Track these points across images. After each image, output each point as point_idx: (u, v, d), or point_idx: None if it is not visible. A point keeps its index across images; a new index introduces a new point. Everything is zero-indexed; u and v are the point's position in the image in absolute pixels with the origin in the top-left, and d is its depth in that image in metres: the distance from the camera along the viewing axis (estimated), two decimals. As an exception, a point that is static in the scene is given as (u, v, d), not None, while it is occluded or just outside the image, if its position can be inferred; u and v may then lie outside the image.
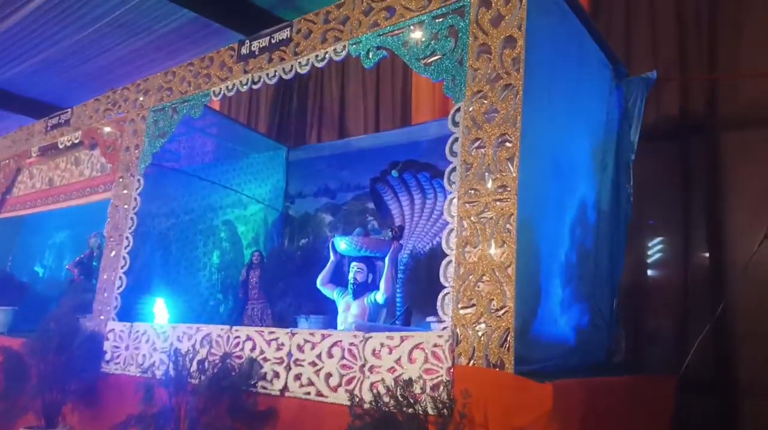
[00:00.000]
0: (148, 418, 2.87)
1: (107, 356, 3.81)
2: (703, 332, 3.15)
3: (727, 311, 3.43)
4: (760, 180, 3.73)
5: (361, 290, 3.81)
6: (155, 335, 3.60)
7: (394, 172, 4.21)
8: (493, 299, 2.25)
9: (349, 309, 3.81)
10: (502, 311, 2.22)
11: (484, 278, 2.30)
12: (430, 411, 2.14)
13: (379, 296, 3.71)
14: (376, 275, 3.91)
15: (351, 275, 3.84)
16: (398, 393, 2.07)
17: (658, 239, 4.08)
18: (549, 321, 2.49)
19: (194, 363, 3.03)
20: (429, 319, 3.02)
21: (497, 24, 2.53)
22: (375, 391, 2.39)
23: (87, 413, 3.71)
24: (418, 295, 3.32)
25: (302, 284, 4.60)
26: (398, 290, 3.84)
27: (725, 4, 3.99)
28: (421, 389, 2.32)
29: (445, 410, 2.13)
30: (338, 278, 4.05)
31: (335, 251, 3.96)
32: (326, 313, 4.50)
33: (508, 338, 2.18)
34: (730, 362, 3.55)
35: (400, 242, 3.88)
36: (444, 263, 2.45)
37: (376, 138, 5.28)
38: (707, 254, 3.84)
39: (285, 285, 4.70)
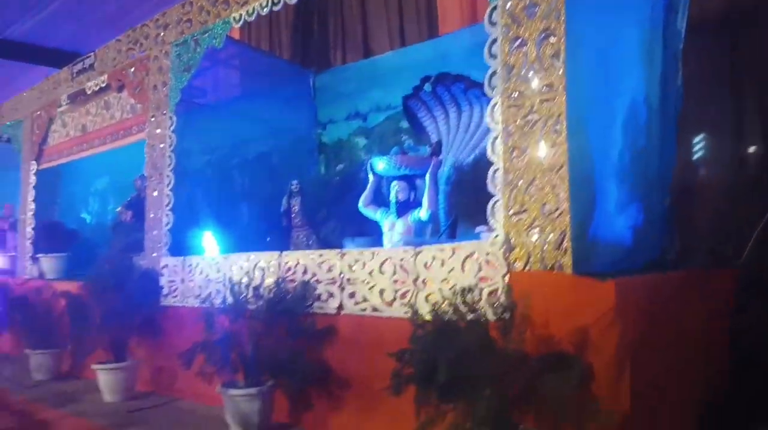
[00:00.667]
0: (213, 344, 2.98)
1: (164, 291, 3.95)
2: (759, 226, 3.07)
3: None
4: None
5: (403, 208, 3.80)
6: (208, 267, 3.70)
7: (427, 87, 4.09)
8: (546, 203, 2.21)
9: (393, 228, 3.82)
10: (557, 214, 2.18)
11: (535, 182, 2.25)
12: (490, 317, 2.15)
13: (423, 213, 3.70)
14: (417, 192, 3.88)
15: (392, 195, 3.83)
16: (458, 300, 2.07)
17: (708, 134, 3.90)
18: (604, 222, 2.43)
19: (250, 290, 3.12)
20: (478, 229, 2.99)
21: None
22: (431, 302, 2.43)
23: (151, 345, 3.89)
24: (464, 207, 3.29)
25: (344, 208, 4.62)
26: (443, 205, 3.82)
27: None
28: (478, 297, 2.34)
29: (505, 314, 2.13)
30: (379, 199, 4.04)
31: (374, 172, 3.93)
32: (371, 234, 4.54)
33: (565, 241, 2.15)
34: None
35: (439, 157, 3.80)
36: (491, 171, 2.39)
37: (404, 54, 5.09)
38: (758, 149, 3.67)
39: (327, 210, 4.73)
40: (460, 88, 4.11)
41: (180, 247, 4.10)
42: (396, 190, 3.81)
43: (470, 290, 2.08)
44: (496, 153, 2.38)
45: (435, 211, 3.74)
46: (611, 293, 2.04)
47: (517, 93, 2.33)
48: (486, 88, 2.45)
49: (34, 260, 5.58)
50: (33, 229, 5.72)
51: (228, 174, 5.03)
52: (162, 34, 4.20)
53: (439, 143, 3.82)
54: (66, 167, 5.87)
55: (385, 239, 3.87)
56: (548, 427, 1.95)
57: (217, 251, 4.44)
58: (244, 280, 3.23)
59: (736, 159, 3.74)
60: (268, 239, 5.25)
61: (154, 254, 4.11)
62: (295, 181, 5.05)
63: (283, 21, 6.51)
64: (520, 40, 2.33)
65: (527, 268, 2.24)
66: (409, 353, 2.00)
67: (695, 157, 3.92)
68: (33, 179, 5.83)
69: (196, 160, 4.62)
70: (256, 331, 2.97)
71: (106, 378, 3.82)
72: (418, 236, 3.77)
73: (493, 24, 2.44)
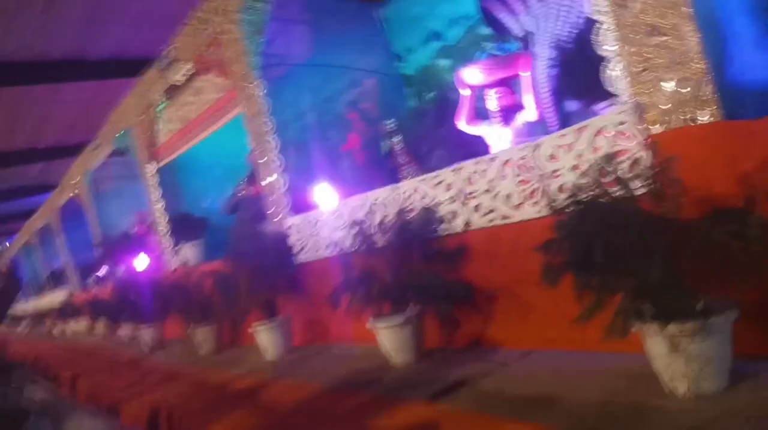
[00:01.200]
0: (354, 282, 3.04)
1: (296, 249, 4.09)
2: None
3: None
4: None
5: (507, 114, 3.59)
6: (330, 217, 3.76)
7: (504, -20, 3.77)
8: (674, 50, 1.95)
9: (502, 139, 3.64)
10: (689, 59, 1.92)
11: (656, 29, 1.99)
12: (638, 190, 1.95)
13: (530, 115, 3.48)
14: (518, 94, 3.66)
15: (492, 104, 3.63)
16: (596, 175, 1.90)
17: None
18: (745, 62, 2.13)
19: (374, 227, 3.12)
20: (597, 107, 2.76)
21: None
22: (564, 194, 2.28)
23: (297, 301, 4.06)
24: (577, 88, 3.03)
25: (446, 134, 4.49)
26: (549, 97, 3.56)
27: None
28: (616, 174, 2.15)
29: (655, 183, 1.92)
30: (480, 112, 3.86)
31: (465, 85, 3.74)
32: (481, 153, 4.39)
33: (704, 87, 1.90)
34: None
35: (533, 50, 3.53)
36: (599, 30, 2.16)
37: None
38: None
39: (430, 141, 4.62)
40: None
41: (300, 205, 4.21)
42: (496, 98, 3.61)
43: (609, 161, 1.89)
44: (602, 7, 2.13)
45: (542, 109, 3.50)
46: (774, 130, 1.78)
47: (615, -61, 2.05)
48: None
49: (176, 251, 6.03)
50: (168, 223, 6.15)
51: (324, 131, 5.05)
52: (224, 6, 4.21)
53: (527, 35, 3.54)
54: (181, 161, 6.21)
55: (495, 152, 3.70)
56: (729, 292, 1.77)
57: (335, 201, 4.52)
58: (366, 219, 3.25)
59: None
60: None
61: (279, 217, 4.25)
62: (389, 121, 4.98)
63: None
64: None
65: (667, 127, 2.01)
66: (557, 241, 1.88)
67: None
68: (155, 179, 6.24)
69: (291, 120, 4.67)
70: (391, 262, 2.98)
71: (264, 337, 4.05)
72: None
73: None
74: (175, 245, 6.04)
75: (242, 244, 4.19)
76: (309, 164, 4.73)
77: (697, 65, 1.91)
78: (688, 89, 1.94)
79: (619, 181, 1.88)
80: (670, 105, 2.00)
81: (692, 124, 1.95)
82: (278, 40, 4.52)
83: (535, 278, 2.34)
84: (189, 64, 4.97)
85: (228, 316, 4.67)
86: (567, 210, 1.90)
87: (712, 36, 1.94)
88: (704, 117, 1.92)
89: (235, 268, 4.20)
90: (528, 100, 3.43)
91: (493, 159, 2.67)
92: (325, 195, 4.32)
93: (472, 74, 3.57)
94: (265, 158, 4.29)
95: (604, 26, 2.14)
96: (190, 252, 5.79)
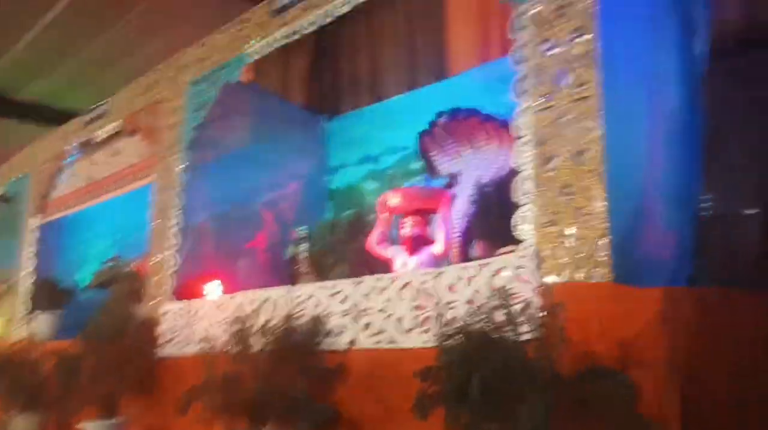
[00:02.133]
0: (214, 387, 2.72)
1: (163, 339, 3.70)
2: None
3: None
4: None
5: (418, 244, 3.59)
6: (213, 308, 3.47)
7: (440, 122, 3.98)
8: (580, 208, 2.02)
9: (406, 266, 3.60)
10: (593, 220, 1.99)
11: (568, 189, 2.07)
12: (524, 334, 1.91)
13: (438, 248, 3.49)
14: (431, 227, 3.69)
15: (405, 231, 3.63)
16: (488, 315, 1.84)
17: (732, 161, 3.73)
18: (643, 234, 2.24)
19: (255, 328, 2.89)
20: (502, 251, 2.78)
21: None
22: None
23: (146, 400, 3.60)
24: (488, 230, 3.06)
25: (353, 253, 4.43)
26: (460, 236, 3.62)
27: None
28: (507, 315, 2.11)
29: (539, 330, 1.90)
30: (391, 238, 3.84)
31: (384, 208, 3.75)
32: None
33: (602, 249, 1.95)
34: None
35: (454, 190, 3.65)
36: (518, 179, 2.23)
37: (416, 95, 5.02)
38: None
39: (335, 256, 4.53)
40: (474, 122, 4.01)
41: (184, 293, 3.90)
42: (409, 226, 3.62)
43: (504, 298, 1.85)
44: (523, 160, 2.22)
45: (450, 246, 3.54)
46: (657, 302, 1.82)
47: (547, 95, 2.19)
48: (512, 95, 2.32)
49: (28, 319, 5.33)
50: (31, 285, 5.49)
51: (236, 224, 4.87)
52: (178, 74, 4.17)
53: (455, 175, 3.67)
54: (69, 222, 5.75)
55: (400, 278, 3.65)
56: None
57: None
58: (251, 318, 3.02)
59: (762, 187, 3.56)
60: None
61: (156, 301, 3.90)
62: (300, 228, 4.91)
63: (294, 67, 6.52)
64: (549, 42, 2.22)
65: (561, 280, 2.02)
66: (436, 369, 1.75)
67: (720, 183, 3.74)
68: (33, 235, 5.65)
69: (201, 203, 4.47)
70: (263, 371, 2.71)
71: (92, 437, 3.51)
72: (435, 273, 3.55)
73: (519, 29, 2.34)
74: (30, 312, 5.36)
75: (103, 324, 3.74)
76: (206, 253, 4.48)
77: (601, 226, 1.97)
78: (586, 248, 1.98)
79: (508, 321, 1.83)
80: (567, 259, 2.02)
81: (584, 282, 1.97)
82: (216, 124, 4.45)
83: (409, 409, 2.19)
84: (118, 122, 4.78)
85: (60, 407, 4.03)
86: (452, 340, 1.80)
87: (619, 205, 2.04)
88: (596, 277, 1.95)
89: (84, 350, 3.71)
90: (439, 234, 3.46)
91: (394, 279, 2.59)
92: (214, 286, 4.06)
93: (393, 198, 3.60)
94: (162, 236, 4.02)
95: (523, 175, 2.21)
96: (43, 323, 5.12)
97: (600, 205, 1.98)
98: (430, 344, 2.32)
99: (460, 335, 1.79)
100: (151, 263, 4.01)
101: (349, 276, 4.25)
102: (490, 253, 2.97)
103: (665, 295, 1.80)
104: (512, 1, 2.43)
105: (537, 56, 2.26)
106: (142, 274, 4.25)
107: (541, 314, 1.93)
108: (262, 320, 3.01)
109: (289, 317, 2.91)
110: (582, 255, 1.98)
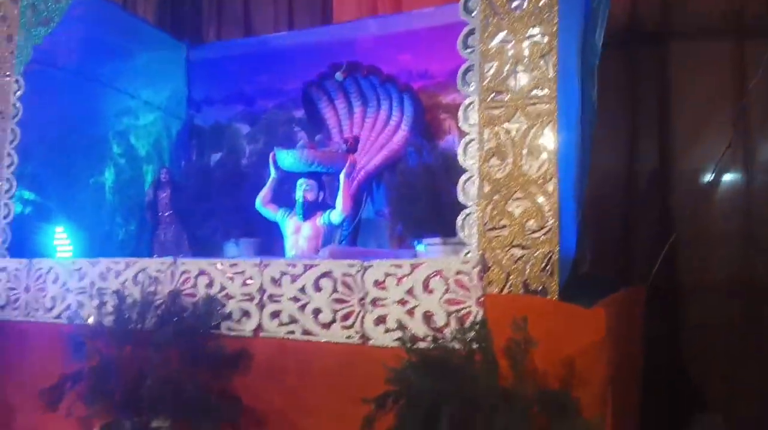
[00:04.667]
0: (90, 376, 2.32)
1: (0, 301, 3.08)
2: (667, 243, 3.20)
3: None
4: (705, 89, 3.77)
5: (311, 209, 3.37)
6: (67, 274, 2.94)
7: (338, 76, 3.69)
8: (530, 220, 1.99)
9: (299, 231, 3.38)
10: (543, 232, 1.97)
11: (517, 195, 2.02)
12: (457, 346, 1.86)
13: (335, 216, 3.32)
14: (326, 192, 3.49)
15: (299, 194, 3.38)
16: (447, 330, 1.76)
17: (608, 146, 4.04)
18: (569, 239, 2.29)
19: (135, 305, 2.50)
20: (428, 241, 2.70)
21: None
22: (387, 327, 2.11)
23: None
24: (401, 214, 2.93)
25: (226, 205, 4.05)
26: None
27: None
28: (444, 322, 2.06)
29: (478, 344, 1.87)
30: (279, 197, 3.57)
31: (277, 167, 3.44)
32: (258, 236, 4.04)
33: (551, 261, 1.95)
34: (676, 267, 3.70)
35: (355, 154, 3.44)
36: (463, 179, 2.12)
37: (298, 37, 4.62)
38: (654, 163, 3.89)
39: (205, 206, 4.11)
40: (373, 81, 3.79)
41: (22, 246, 3.25)
42: (303, 189, 3.37)
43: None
44: (469, 159, 2.11)
45: (349, 214, 3.38)
46: (602, 322, 1.88)
47: (498, 94, 2.08)
48: (459, 84, 2.17)
49: None
50: None
51: (82, 156, 4.14)
52: (7, -27, 3.28)
53: (356, 139, 3.46)
54: None
55: (288, 243, 3.42)
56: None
57: (70, 252, 3.64)
58: (120, 292, 2.61)
59: (633, 172, 3.92)
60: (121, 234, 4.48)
61: (-17, 253, 3.20)
62: (164, 169, 4.36)
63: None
64: (503, 35, 2.08)
65: (505, 291, 2.00)
66: (394, 396, 1.64)
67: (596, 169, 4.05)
68: None
69: (44, 136, 3.70)
70: (147, 358, 2.37)
71: None
72: (327, 242, 3.38)
73: (469, 12, 2.16)
74: None
75: None
76: (47, 195, 3.78)
77: (550, 238, 1.96)
78: (536, 259, 1.97)
79: (462, 341, 1.76)
80: (512, 270, 2.00)
81: (529, 295, 1.97)
82: (57, 40, 3.62)
83: (325, 408, 2.06)
84: None
85: None
86: (415, 355, 1.69)
87: (566, 212, 2.04)
88: (543, 290, 1.96)
89: None
90: (339, 201, 3.27)
91: (310, 266, 2.37)
92: (61, 242, 3.45)
93: (290, 157, 3.29)
94: (-9, 173, 3.27)
95: (468, 174, 2.11)
96: None
97: (551, 215, 1.97)
98: (354, 340, 2.22)
99: (420, 354, 1.68)
100: (-25, 208, 3.25)
101: (223, 234, 3.96)
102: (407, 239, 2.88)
103: (608, 315, 1.86)
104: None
105: (487, 48, 2.12)
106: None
107: (481, 329, 1.89)
108: (132, 294, 2.63)
109: (176, 295, 2.57)
110: (530, 267, 1.97)
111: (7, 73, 3.22)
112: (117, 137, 4.51)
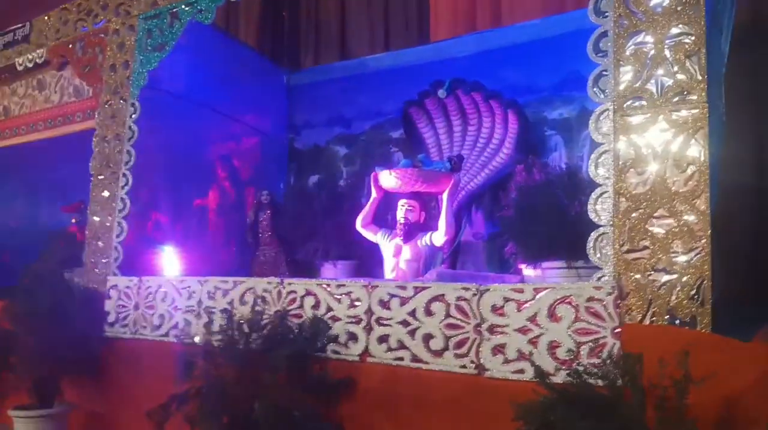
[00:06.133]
0: (197, 397, 2.29)
1: (111, 318, 3.17)
2: None
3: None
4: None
5: (413, 231, 3.25)
6: (175, 291, 2.97)
7: (441, 93, 3.59)
8: (676, 240, 1.75)
9: (400, 254, 3.26)
10: (693, 255, 1.73)
11: (660, 212, 1.79)
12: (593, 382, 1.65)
13: (437, 238, 3.17)
14: (428, 213, 3.36)
15: (401, 215, 3.27)
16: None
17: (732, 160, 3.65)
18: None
19: (244, 324, 2.46)
20: (546, 265, 2.50)
21: None
22: (500, 355, 1.93)
23: (91, 386, 3.09)
24: (528, 241, 2.72)
25: (324, 226, 4.01)
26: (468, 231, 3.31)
27: None
28: (572, 354, 1.85)
29: (628, 380, 1.64)
30: (379, 219, 3.48)
31: (378, 187, 3.36)
32: (356, 258, 3.96)
33: (703, 288, 1.70)
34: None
35: (459, 174, 3.30)
36: (594, 194, 1.92)
37: (396, 57, 4.58)
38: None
39: (304, 228, 4.09)
40: (475, 98, 3.65)
41: (133, 265, 3.35)
42: (405, 209, 3.26)
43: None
44: (603, 172, 1.91)
45: (452, 237, 3.23)
46: (764, 356, 1.61)
47: (637, 100, 1.87)
48: (590, 91, 1.98)
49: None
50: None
51: (188, 178, 4.26)
52: (127, 3, 3.45)
53: (460, 158, 3.31)
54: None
55: (388, 266, 3.30)
56: None
57: (178, 270, 3.71)
58: (228, 311, 2.58)
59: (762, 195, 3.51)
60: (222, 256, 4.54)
61: (98, 271, 3.32)
62: (265, 191, 4.40)
63: (252, 11, 5.82)
64: (641, 35, 1.89)
65: (648, 321, 1.77)
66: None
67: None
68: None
69: (155, 159, 3.84)
70: (257, 380, 2.31)
71: (25, 428, 2.98)
72: (429, 265, 3.24)
73: (600, 14, 1.98)
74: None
75: (37, 291, 3.14)
76: (156, 214, 3.89)
77: (701, 262, 1.72)
78: (683, 286, 1.72)
79: (606, 376, 1.55)
80: (655, 297, 1.76)
81: (677, 326, 1.73)
82: (171, 68, 3.77)
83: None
84: (43, 50, 3.96)
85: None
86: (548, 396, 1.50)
87: (721, 232, 1.79)
88: (692, 321, 1.71)
89: (17, 320, 3.12)
90: (442, 223, 3.13)
91: (420, 289, 2.24)
92: (170, 261, 3.53)
93: (392, 178, 3.20)
94: (107, 193, 3.40)
95: (602, 189, 1.91)
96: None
97: (702, 235, 1.72)
98: (469, 370, 2.05)
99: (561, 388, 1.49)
100: (92, 226, 3.39)
101: (324, 256, 3.91)
102: (525, 265, 2.68)
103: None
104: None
105: (623, 51, 1.92)
106: (79, 237, 3.61)
107: (623, 362, 1.67)
108: (239, 313, 2.59)
109: (283, 316, 2.51)
110: (677, 294, 1.73)
111: (124, 97, 3.36)
112: (221, 160, 4.63)
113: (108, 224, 3.33)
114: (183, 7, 3.21)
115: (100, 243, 3.35)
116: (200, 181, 4.45)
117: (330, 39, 5.50)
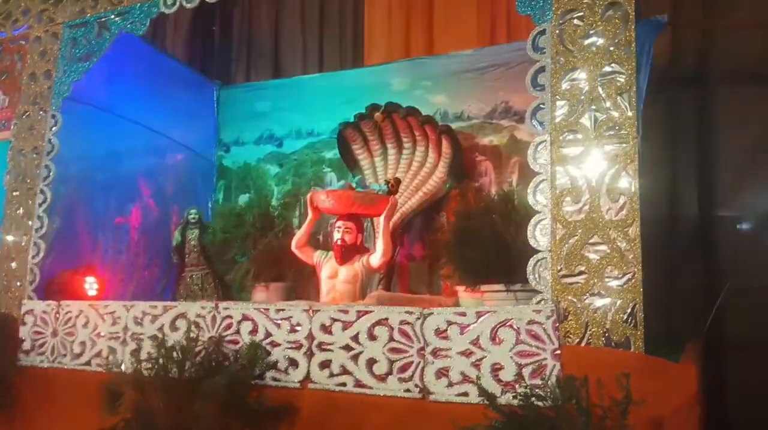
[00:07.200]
0: (126, 429, 2.16)
1: (26, 345, 2.94)
2: (721, 293, 3.04)
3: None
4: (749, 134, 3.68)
5: (349, 252, 3.25)
6: (98, 317, 2.80)
7: (377, 117, 3.63)
8: (610, 266, 1.86)
9: (336, 275, 3.24)
10: (624, 280, 1.84)
11: (594, 238, 1.90)
12: (545, 403, 1.72)
13: (374, 259, 3.19)
14: (364, 235, 3.37)
15: (337, 236, 3.26)
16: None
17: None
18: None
19: (176, 351, 2.35)
20: (486, 288, 2.56)
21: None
22: (444, 379, 1.96)
23: (4, 421, 2.84)
24: (459, 260, 2.78)
25: (257, 247, 3.93)
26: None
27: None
28: (515, 376, 1.91)
29: (557, 401, 1.72)
30: (315, 240, 3.45)
31: (314, 208, 3.33)
32: (288, 280, 3.90)
33: (636, 312, 1.81)
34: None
35: (396, 196, 3.33)
36: (533, 221, 2.01)
37: (331, 78, 4.59)
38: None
39: (235, 248, 3.99)
40: (412, 122, 3.72)
41: (49, 287, 3.13)
42: (342, 231, 3.26)
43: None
44: (542, 200, 2.00)
45: (390, 259, 3.25)
46: (693, 379, 1.73)
47: (572, 133, 1.98)
48: (528, 123, 2.08)
49: None
50: None
51: (109, 195, 4.05)
52: (50, 9, 3.26)
53: (398, 181, 3.35)
54: None
55: (325, 287, 3.28)
56: None
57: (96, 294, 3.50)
58: (157, 338, 2.46)
59: (675, 225, 3.78)
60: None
61: (11, 294, 3.07)
62: (193, 210, 4.26)
63: (181, 23, 5.64)
64: (577, 72, 2.00)
65: (585, 343, 1.86)
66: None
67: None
68: None
69: (70, 174, 3.60)
70: (189, 409, 2.21)
71: None
72: (366, 286, 3.25)
73: (538, 50, 2.09)
74: None
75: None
76: (75, 235, 3.66)
77: (634, 286, 1.83)
78: (617, 309, 1.83)
79: (552, 397, 1.61)
80: (591, 320, 1.86)
81: (612, 348, 1.82)
82: (93, 78, 3.58)
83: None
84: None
85: None
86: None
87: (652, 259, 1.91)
88: (626, 343, 1.81)
89: None
90: (380, 245, 3.15)
91: (363, 313, 2.23)
92: (90, 284, 3.33)
93: (326, 199, 3.19)
94: (21, 211, 3.18)
95: (540, 216, 1.99)
96: None
97: (635, 262, 1.84)
98: (413, 395, 2.07)
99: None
100: (4, 246, 3.15)
101: (254, 277, 3.82)
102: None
103: (699, 372, 1.72)
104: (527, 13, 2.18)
105: (558, 86, 2.03)
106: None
107: (564, 384, 1.74)
108: (170, 340, 2.48)
109: (218, 342, 2.43)
110: (612, 318, 1.83)
111: (44, 108, 3.16)
112: (144, 176, 4.43)
113: (23, 244, 3.10)
114: (113, 17, 3.08)
115: (13, 264, 3.11)
116: (123, 198, 4.25)
117: (263, 56, 5.43)
